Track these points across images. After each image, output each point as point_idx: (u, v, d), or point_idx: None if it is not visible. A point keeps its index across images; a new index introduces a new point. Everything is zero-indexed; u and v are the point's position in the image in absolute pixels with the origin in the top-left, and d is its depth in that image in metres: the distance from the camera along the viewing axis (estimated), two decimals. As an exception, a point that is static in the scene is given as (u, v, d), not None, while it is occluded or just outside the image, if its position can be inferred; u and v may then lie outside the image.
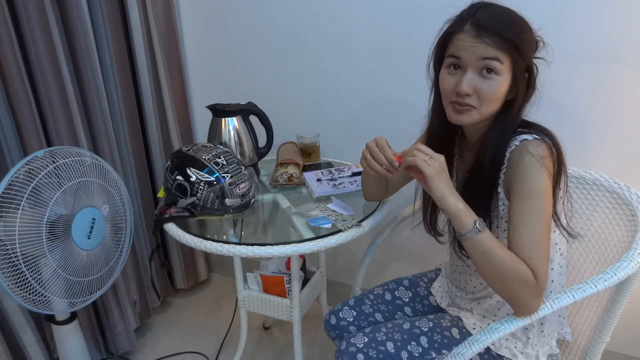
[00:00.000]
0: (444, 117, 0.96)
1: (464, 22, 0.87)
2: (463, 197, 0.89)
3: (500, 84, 0.87)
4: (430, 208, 1.12)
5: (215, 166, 1.23)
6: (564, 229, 0.96)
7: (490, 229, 0.91)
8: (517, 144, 0.89)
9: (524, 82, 0.89)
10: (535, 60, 0.91)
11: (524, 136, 0.89)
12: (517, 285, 0.83)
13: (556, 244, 0.98)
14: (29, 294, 1.15)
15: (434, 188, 0.86)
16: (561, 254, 1.00)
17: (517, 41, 0.84)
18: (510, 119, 0.91)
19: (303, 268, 1.56)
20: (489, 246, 0.84)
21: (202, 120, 1.98)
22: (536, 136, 0.88)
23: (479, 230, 0.84)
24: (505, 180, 0.91)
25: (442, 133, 1.03)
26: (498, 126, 0.92)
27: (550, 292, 1.00)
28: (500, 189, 0.93)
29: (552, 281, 1.00)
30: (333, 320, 1.20)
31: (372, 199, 1.27)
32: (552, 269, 0.99)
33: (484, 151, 0.92)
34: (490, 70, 0.86)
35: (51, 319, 1.33)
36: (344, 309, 1.21)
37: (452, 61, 0.90)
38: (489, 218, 0.94)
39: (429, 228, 1.14)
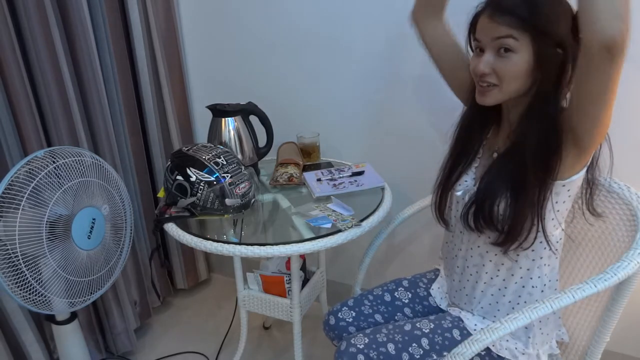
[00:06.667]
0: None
1: (486, 5, 0.88)
2: (490, 175, 0.92)
3: (517, 61, 0.85)
4: (441, 192, 1.09)
5: (215, 166, 1.23)
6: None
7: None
8: None
9: (556, 59, 0.85)
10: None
11: None
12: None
13: (560, 239, 0.99)
14: (29, 294, 1.15)
15: None
16: (556, 257, 1.01)
17: (532, 17, 0.82)
18: (543, 97, 0.88)
19: (303, 268, 1.56)
20: None
21: (202, 120, 1.98)
22: None
23: None
24: None
25: (475, 114, 1.03)
26: (536, 107, 0.89)
27: (546, 288, 1.01)
28: None
29: (558, 281, 1.00)
30: (332, 321, 1.20)
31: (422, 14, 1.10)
32: (549, 265, 0.99)
33: (523, 134, 0.91)
34: (507, 49, 0.85)
35: (51, 319, 1.33)
36: (343, 309, 1.20)
37: (476, 44, 0.92)
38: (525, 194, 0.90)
39: (437, 215, 1.12)
